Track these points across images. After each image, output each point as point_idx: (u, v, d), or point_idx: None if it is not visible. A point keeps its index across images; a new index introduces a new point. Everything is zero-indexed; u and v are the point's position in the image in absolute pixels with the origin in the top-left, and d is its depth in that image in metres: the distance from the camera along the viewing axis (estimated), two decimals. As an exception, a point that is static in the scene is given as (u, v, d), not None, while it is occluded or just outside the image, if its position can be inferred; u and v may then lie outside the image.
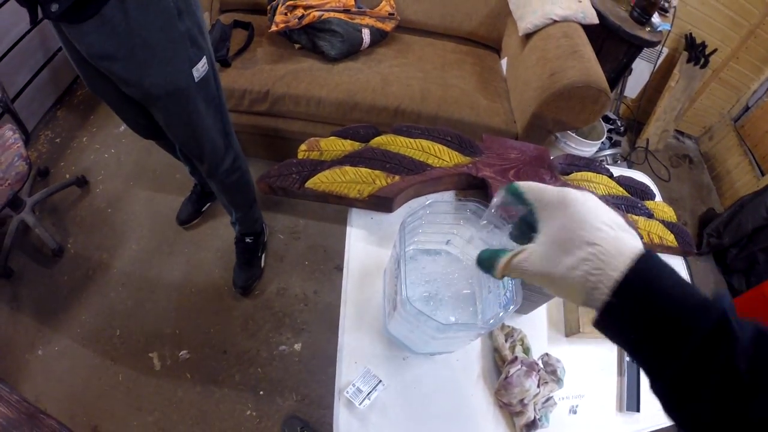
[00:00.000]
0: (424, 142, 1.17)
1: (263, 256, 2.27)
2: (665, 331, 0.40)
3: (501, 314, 0.73)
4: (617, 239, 0.45)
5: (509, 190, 0.55)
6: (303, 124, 2.20)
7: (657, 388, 0.43)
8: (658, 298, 0.41)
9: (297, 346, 2.04)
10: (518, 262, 0.50)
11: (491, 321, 0.72)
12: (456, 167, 1.14)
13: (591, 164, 1.31)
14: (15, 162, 1.95)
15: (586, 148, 2.45)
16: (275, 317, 2.12)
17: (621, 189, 1.30)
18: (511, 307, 0.72)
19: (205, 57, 1.36)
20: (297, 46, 2.28)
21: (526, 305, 0.98)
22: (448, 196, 1.17)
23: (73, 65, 1.39)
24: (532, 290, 0.89)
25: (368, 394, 0.85)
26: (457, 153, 1.18)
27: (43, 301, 2.16)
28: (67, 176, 2.52)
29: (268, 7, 2.32)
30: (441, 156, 1.16)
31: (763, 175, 2.96)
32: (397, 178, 1.09)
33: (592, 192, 1.21)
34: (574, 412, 0.96)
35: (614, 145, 2.89)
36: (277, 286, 2.21)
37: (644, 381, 0.83)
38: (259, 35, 2.33)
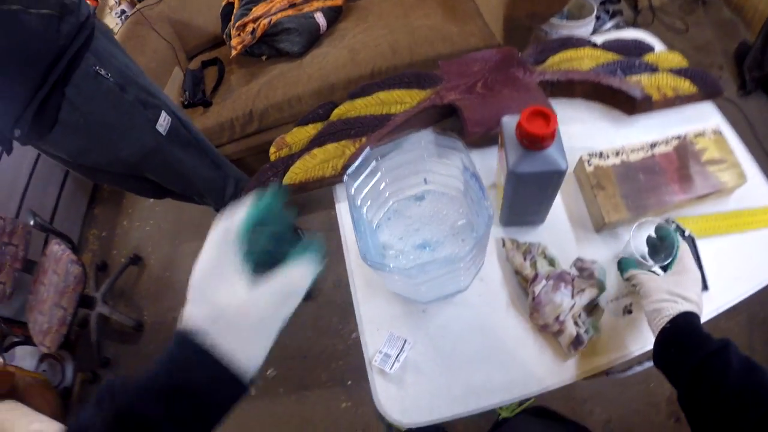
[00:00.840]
0: (382, 95, 1.11)
1: None
2: (684, 352, 0.64)
3: (482, 232, 0.66)
4: (690, 300, 0.70)
5: (663, 230, 0.80)
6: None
7: (683, 403, 0.64)
8: (687, 334, 0.66)
9: None
10: (644, 278, 0.75)
11: (469, 247, 0.65)
12: (418, 105, 1.07)
13: (567, 42, 1.20)
14: (70, 269, 2.09)
15: (580, 30, 2.27)
16: (340, 309, 2.17)
17: (610, 54, 1.18)
18: (487, 218, 0.66)
19: (163, 111, 1.47)
20: (263, 57, 2.26)
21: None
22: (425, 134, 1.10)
23: (67, 168, 1.51)
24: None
25: (397, 356, 0.83)
26: (417, 91, 1.11)
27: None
28: (122, 260, 2.68)
29: (224, 37, 2.34)
30: (402, 100, 1.10)
31: (785, -16, 2.67)
32: (363, 139, 1.04)
33: (577, 70, 1.11)
34: (629, 312, 0.86)
35: (614, 15, 2.67)
36: (332, 281, 2.25)
37: (709, 259, 0.89)
38: (228, 64, 2.35)
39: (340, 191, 1.07)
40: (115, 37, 1.45)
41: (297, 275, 0.47)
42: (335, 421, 1.92)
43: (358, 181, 0.79)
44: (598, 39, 1.24)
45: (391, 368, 0.81)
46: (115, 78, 1.32)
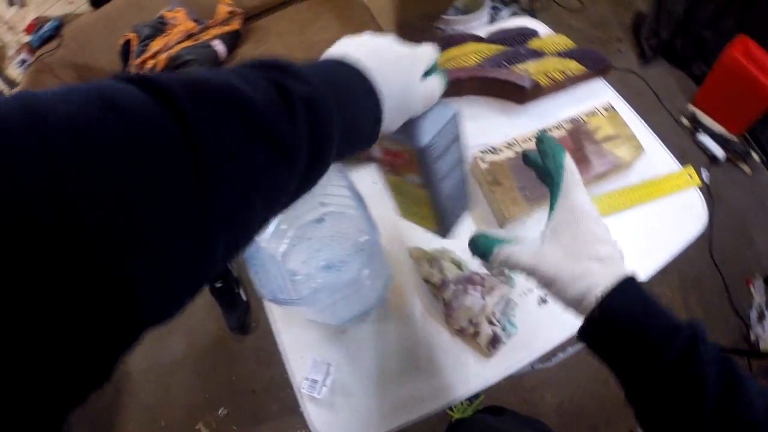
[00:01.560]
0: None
1: (241, 290, 2.27)
2: (639, 352, 0.44)
3: (370, 249, 0.65)
4: (616, 261, 0.49)
5: (545, 143, 0.55)
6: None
7: (630, 400, 0.47)
8: (635, 322, 0.45)
9: None
10: (524, 257, 0.51)
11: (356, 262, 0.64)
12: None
13: (450, 40, 1.20)
14: None
15: (476, 22, 2.31)
16: None
17: (495, 46, 1.19)
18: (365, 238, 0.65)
19: None
20: (167, 92, 2.19)
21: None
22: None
23: None
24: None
25: (324, 380, 0.82)
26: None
27: (95, 429, 2.25)
28: None
29: (124, 75, 2.25)
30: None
31: (668, -49, 2.79)
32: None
33: (463, 68, 1.11)
34: (544, 302, 0.87)
35: (510, 3, 2.73)
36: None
37: (621, 235, 0.80)
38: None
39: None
40: (19, 87, 1.39)
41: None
42: (293, 451, 1.88)
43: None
44: (481, 32, 1.25)
45: (319, 393, 0.81)
46: None
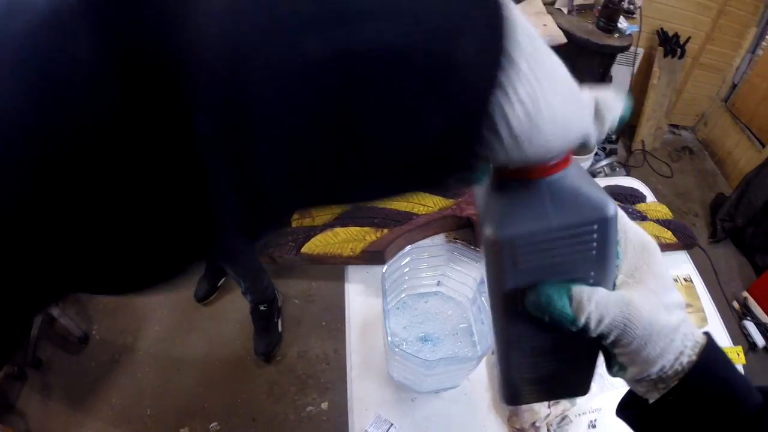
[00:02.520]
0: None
1: (279, 321, 2.33)
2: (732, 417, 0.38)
3: (493, 342, 0.78)
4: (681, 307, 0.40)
5: None
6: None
7: None
8: (721, 384, 0.38)
9: (324, 405, 2.06)
10: (613, 303, 0.35)
11: (479, 352, 0.77)
12: (440, 211, 1.20)
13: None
14: None
15: (581, 164, 2.49)
16: (299, 379, 2.15)
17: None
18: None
19: None
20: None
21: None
22: (439, 239, 1.23)
23: None
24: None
25: None
26: (440, 198, 1.24)
27: (73, 388, 2.23)
28: None
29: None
30: (425, 203, 1.23)
31: (764, 146, 2.96)
32: (385, 231, 1.16)
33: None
34: (594, 426, 0.98)
35: (610, 154, 2.93)
36: (297, 350, 2.24)
37: None
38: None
39: (352, 272, 1.17)
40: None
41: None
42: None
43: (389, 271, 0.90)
44: (601, 183, 1.41)
45: None
46: None
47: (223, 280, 2.44)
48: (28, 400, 2.23)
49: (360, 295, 1.12)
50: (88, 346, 2.35)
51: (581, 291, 0.35)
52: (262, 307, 2.21)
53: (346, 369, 1.02)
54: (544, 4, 2.30)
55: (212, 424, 2.05)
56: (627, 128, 3.39)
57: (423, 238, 1.23)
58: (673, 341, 0.37)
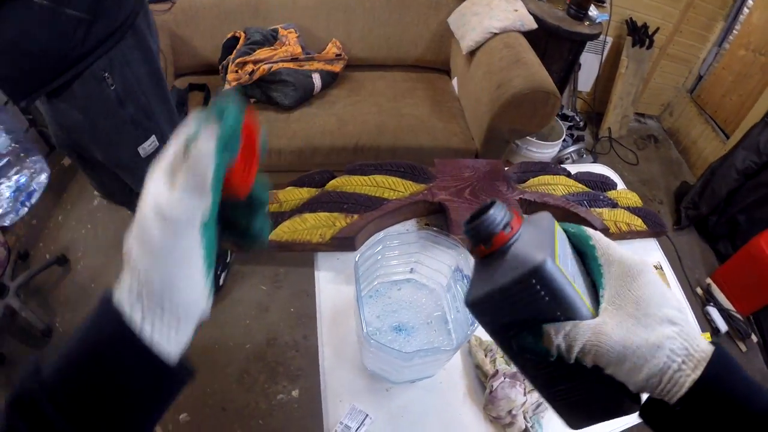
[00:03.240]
0: (378, 178, 1.21)
1: (223, 274, 2.35)
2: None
3: (468, 332, 0.75)
4: (690, 323, 0.42)
5: (570, 232, 0.48)
6: (269, 177, 2.22)
7: None
8: (735, 397, 0.39)
9: (294, 393, 2.04)
10: (581, 333, 0.40)
11: (455, 343, 0.74)
12: (411, 196, 1.17)
13: (546, 167, 1.35)
14: None
15: (548, 150, 2.50)
16: (269, 367, 2.12)
17: (581, 185, 1.34)
18: (475, 325, 0.75)
19: (153, 136, 1.49)
20: (252, 100, 2.33)
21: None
22: (410, 225, 1.20)
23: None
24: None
25: (357, 429, 0.87)
26: (411, 182, 1.21)
27: None
28: (48, 256, 2.52)
29: (220, 67, 2.38)
30: (396, 188, 1.19)
31: (728, 137, 3.01)
32: (355, 217, 1.13)
33: (552, 195, 1.25)
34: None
35: (577, 140, 2.95)
36: (266, 337, 2.21)
37: None
38: (214, 95, 2.39)
39: (322, 259, 1.14)
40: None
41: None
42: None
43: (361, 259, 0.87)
44: (572, 169, 1.40)
45: None
46: (118, 90, 1.34)
47: None
48: None
49: (330, 283, 1.09)
50: (52, 339, 2.27)
51: (549, 327, 0.41)
52: None
53: (318, 359, 0.98)
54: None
55: (182, 415, 2.01)
56: (594, 116, 3.42)
57: (394, 223, 1.20)
58: (653, 358, 0.39)
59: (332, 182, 1.22)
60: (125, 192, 1.73)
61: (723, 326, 2.42)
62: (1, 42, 1.12)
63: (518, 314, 0.42)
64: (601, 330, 0.40)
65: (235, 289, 2.38)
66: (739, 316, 2.45)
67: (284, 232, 1.12)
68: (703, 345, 0.40)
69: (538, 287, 0.40)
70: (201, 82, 2.44)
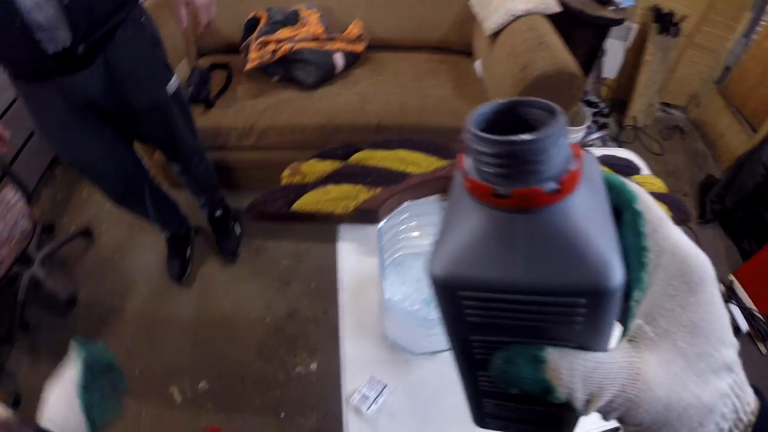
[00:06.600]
0: (402, 152, 1.20)
1: (235, 224, 2.45)
2: None
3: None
4: (739, 365, 0.29)
5: (610, 184, 0.28)
6: (289, 153, 2.20)
7: None
8: None
9: (313, 366, 2.07)
10: (613, 375, 0.26)
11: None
12: (434, 171, 1.16)
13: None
14: (19, 221, 2.04)
15: (572, 135, 2.46)
16: (288, 340, 2.15)
17: (605, 168, 1.31)
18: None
19: (175, 75, 1.72)
20: (274, 78, 2.34)
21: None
22: (432, 201, 1.19)
23: (50, 136, 1.63)
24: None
25: (375, 399, 0.87)
26: (435, 158, 1.20)
27: (61, 350, 2.16)
28: (72, 229, 2.62)
29: (241, 47, 2.40)
30: (419, 163, 1.18)
31: (755, 131, 2.94)
32: (378, 189, 1.12)
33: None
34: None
35: (602, 127, 2.90)
36: (286, 310, 2.24)
37: None
38: (237, 74, 2.40)
39: (344, 231, 1.14)
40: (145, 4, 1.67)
41: None
42: (257, 450, 1.88)
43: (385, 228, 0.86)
44: (596, 152, 1.37)
45: (368, 409, 0.86)
46: (153, 33, 1.59)
47: (189, 249, 2.44)
48: (17, 363, 2.26)
49: (353, 254, 1.09)
50: (75, 308, 2.37)
51: (559, 358, 0.25)
52: (218, 213, 2.36)
53: (339, 329, 0.99)
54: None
55: (201, 383, 2.06)
56: (619, 103, 3.36)
57: (416, 198, 1.18)
58: (701, 427, 0.26)
59: (356, 156, 1.21)
60: (159, 134, 1.86)
61: (744, 326, 2.37)
62: None
63: (520, 322, 0.26)
64: (639, 376, 0.25)
65: (256, 263, 2.42)
66: (761, 316, 2.40)
67: (308, 202, 1.12)
68: (751, 400, 0.28)
69: (583, 312, 0.24)
70: (223, 62, 2.47)
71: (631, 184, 0.28)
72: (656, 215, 0.27)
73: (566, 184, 0.22)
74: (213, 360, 2.13)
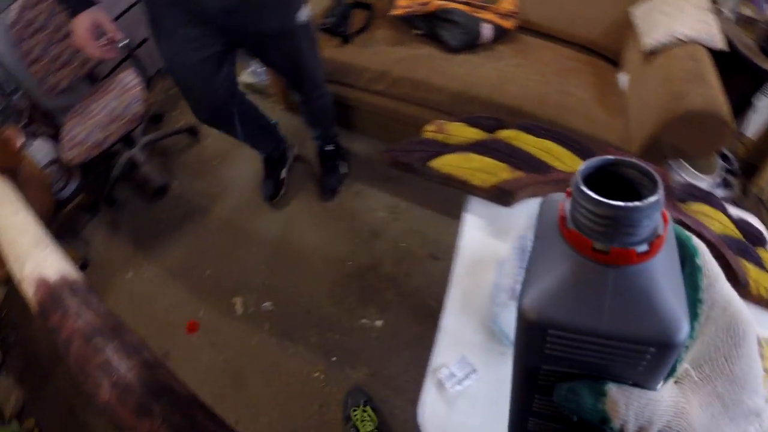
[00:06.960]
0: (548, 143, 1.19)
1: (341, 163, 2.47)
2: None
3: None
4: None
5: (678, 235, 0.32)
6: (418, 109, 2.23)
7: None
8: None
9: (378, 323, 2.04)
10: (661, 411, 0.29)
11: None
12: (578, 174, 1.14)
13: (709, 197, 1.26)
14: (133, 103, 2.15)
15: (701, 182, 2.36)
16: (362, 290, 2.15)
17: (736, 230, 1.25)
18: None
19: (307, 6, 1.75)
20: (416, 32, 2.32)
21: None
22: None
23: (156, 36, 1.68)
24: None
25: (461, 380, 0.87)
26: (579, 159, 1.18)
27: (140, 231, 2.36)
28: (180, 124, 2.72)
29: (391, -9, 2.37)
30: (563, 160, 1.17)
31: None
32: (521, 173, 1.11)
33: (709, 229, 1.17)
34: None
35: (726, 186, 2.75)
36: (369, 262, 2.23)
37: None
38: (378, 17, 2.40)
39: (474, 204, 1.14)
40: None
41: None
42: (299, 384, 1.90)
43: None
44: (733, 211, 1.31)
45: (451, 387, 0.86)
46: None
47: (284, 172, 2.46)
48: (94, 232, 2.40)
49: (477, 230, 1.09)
50: (165, 198, 2.48)
51: (617, 393, 0.29)
52: (328, 148, 2.38)
53: (444, 299, 0.99)
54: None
55: (266, 303, 2.10)
56: (750, 168, 3.14)
57: (551, 193, 1.17)
58: None
59: (504, 132, 1.21)
60: (283, 63, 1.93)
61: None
62: None
63: (591, 359, 0.29)
64: (683, 414, 0.30)
65: (352, 206, 2.42)
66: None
67: (447, 164, 1.12)
68: None
69: (649, 359, 0.28)
70: (367, 1, 2.45)
71: (695, 240, 0.32)
72: (714, 271, 0.31)
73: (655, 246, 0.26)
74: (284, 285, 2.16)
